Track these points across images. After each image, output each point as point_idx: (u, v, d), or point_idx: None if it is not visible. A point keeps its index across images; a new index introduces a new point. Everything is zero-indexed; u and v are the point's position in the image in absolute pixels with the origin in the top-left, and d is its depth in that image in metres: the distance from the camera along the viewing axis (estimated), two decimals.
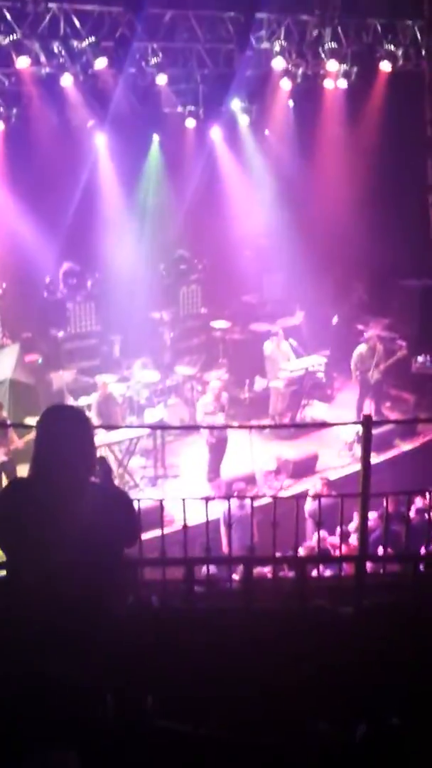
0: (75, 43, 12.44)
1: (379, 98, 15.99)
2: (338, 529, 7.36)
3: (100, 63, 12.66)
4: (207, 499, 6.21)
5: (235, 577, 7.60)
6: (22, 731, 2.88)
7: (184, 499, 5.74)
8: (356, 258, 17.38)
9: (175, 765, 3.39)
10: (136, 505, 4.04)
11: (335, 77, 15.48)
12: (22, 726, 2.89)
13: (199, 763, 3.45)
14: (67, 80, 12.69)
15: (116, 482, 10.75)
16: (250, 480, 12.32)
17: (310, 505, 9.94)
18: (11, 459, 11.35)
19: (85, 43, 12.46)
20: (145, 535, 5.62)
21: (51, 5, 12.04)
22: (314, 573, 6.57)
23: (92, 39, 12.46)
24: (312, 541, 9.34)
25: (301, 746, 3.64)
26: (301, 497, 10.03)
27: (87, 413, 11.11)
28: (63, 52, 12.41)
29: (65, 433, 3.61)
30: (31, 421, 9.93)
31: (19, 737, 2.86)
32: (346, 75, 15.51)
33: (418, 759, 3.57)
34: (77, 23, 12.42)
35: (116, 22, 12.84)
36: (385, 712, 3.87)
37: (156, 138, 15.81)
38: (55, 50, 12.38)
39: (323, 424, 14.28)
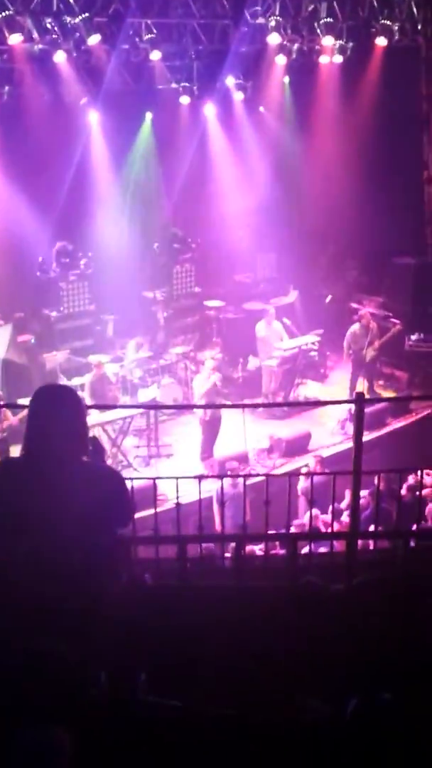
0: (68, 19, 12.31)
1: (375, 74, 15.90)
2: (330, 507, 7.42)
3: (93, 39, 12.55)
4: (200, 478, 6.23)
5: (228, 555, 7.64)
6: (14, 707, 2.91)
7: (177, 478, 5.77)
8: (350, 236, 17.35)
9: (168, 741, 3.42)
10: (129, 484, 4.05)
11: (331, 53, 15.38)
12: (15, 702, 2.92)
13: (191, 739, 3.49)
14: (60, 57, 12.58)
15: (109, 462, 10.81)
16: (243, 459, 12.37)
17: (302, 484, 9.98)
18: (5, 437, 11.37)
19: (78, 19, 12.33)
20: (139, 514, 5.66)
21: None
22: (306, 550, 6.62)
23: (85, 15, 12.34)
24: (304, 519, 9.40)
25: (292, 721, 3.68)
26: (293, 475, 10.12)
27: (80, 393, 11.14)
28: (56, 29, 12.29)
29: (56, 412, 3.62)
30: (24, 401, 9.94)
31: (12, 713, 2.89)
32: (342, 50, 15.41)
33: (410, 733, 3.62)
34: None
35: None
36: (376, 687, 3.91)
37: (149, 116, 15.69)
38: (48, 26, 12.26)
39: (316, 403, 14.32)
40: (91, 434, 3.86)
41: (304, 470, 11.35)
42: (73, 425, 3.65)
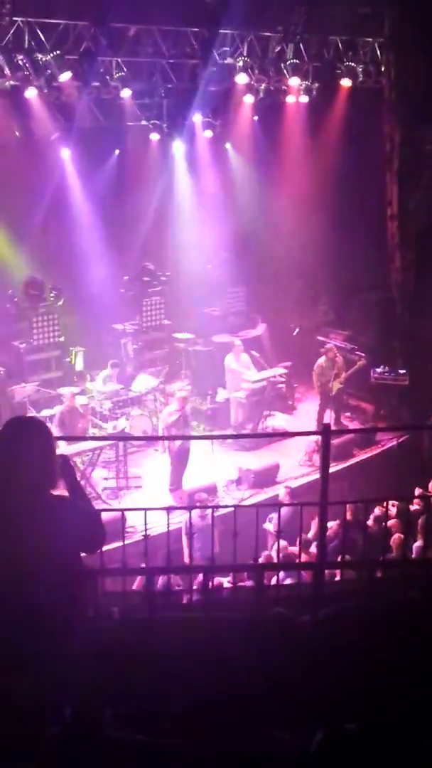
0: (39, 56, 12.42)
1: (340, 113, 16.18)
2: (298, 538, 7.40)
3: (65, 76, 12.66)
4: (168, 510, 6.20)
5: (196, 587, 7.60)
6: None
7: (145, 510, 5.73)
8: (319, 271, 17.53)
9: None
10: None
11: (297, 93, 15.66)
12: None
13: None
14: (31, 93, 12.67)
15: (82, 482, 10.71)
16: (212, 490, 12.34)
17: (272, 527, 9.90)
18: None
19: (49, 56, 12.44)
20: (107, 547, 5.60)
21: (16, 18, 12.02)
22: (274, 581, 6.59)
23: (56, 52, 12.46)
24: (272, 550, 9.38)
25: (260, 755, 3.65)
26: (261, 506, 10.11)
27: (48, 425, 11.02)
28: (27, 65, 12.38)
29: (24, 444, 3.60)
30: None
31: None
32: (308, 90, 15.69)
33: (374, 763, 3.60)
34: (42, 36, 12.42)
35: (81, 36, 12.87)
36: (342, 718, 3.89)
37: (116, 152, 15.82)
38: (20, 63, 12.35)
39: (284, 434, 14.37)
40: (59, 452, 3.84)
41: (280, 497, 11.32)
42: (41, 457, 3.64)
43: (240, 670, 4.29)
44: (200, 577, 6.31)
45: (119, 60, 13.59)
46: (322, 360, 14.42)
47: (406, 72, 14.57)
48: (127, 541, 5.81)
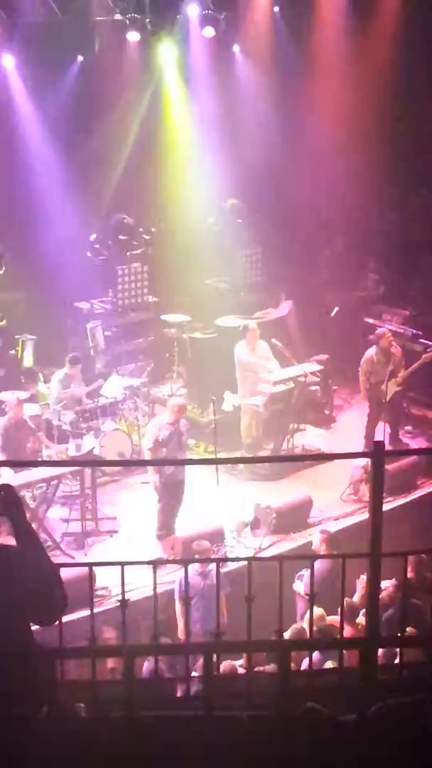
0: None
1: (393, 5, 16.22)
2: (340, 604, 7.42)
3: None
4: (155, 564, 6.22)
5: (195, 673, 7.63)
6: None
7: (122, 564, 5.75)
8: (364, 227, 17.55)
9: None
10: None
11: None
12: None
13: None
14: None
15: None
16: (217, 536, 12.36)
17: (302, 588, 9.94)
18: None
19: None
20: (69, 617, 5.62)
21: None
22: (305, 665, 6.61)
23: None
24: (303, 621, 9.39)
25: None
26: (287, 558, 10.11)
27: None
28: None
29: None
30: None
31: None
32: None
33: None
34: None
35: None
36: None
37: (79, 59, 15.83)
38: None
39: (318, 456, 14.36)
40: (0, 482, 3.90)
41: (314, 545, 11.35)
42: None
43: None
44: (201, 659, 6.32)
45: None
46: (372, 352, 14.44)
47: None
48: (97, 609, 5.83)
